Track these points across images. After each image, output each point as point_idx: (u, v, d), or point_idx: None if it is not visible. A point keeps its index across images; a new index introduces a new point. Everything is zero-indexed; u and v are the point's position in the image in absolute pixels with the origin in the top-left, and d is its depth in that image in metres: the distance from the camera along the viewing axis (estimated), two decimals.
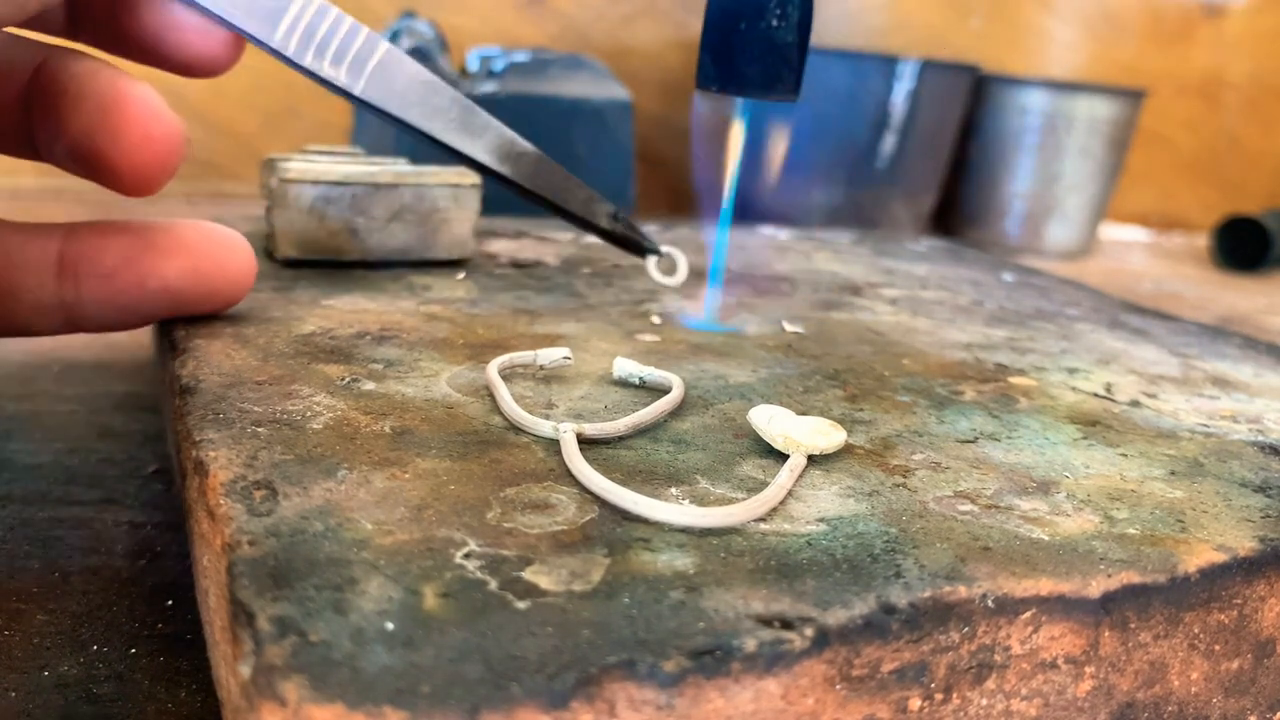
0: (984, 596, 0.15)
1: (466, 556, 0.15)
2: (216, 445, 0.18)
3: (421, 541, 0.15)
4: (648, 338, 0.28)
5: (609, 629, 0.13)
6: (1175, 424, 0.24)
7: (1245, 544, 0.17)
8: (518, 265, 0.36)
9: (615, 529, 0.16)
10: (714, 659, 0.13)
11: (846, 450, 0.20)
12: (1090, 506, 0.19)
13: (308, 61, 0.24)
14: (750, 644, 0.13)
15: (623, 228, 0.28)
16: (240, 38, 0.24)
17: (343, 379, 0.22)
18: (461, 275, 0.33)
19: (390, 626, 0.13)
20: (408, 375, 0.23)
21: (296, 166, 0.31)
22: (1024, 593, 0.15)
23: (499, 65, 0.60)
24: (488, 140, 0.26)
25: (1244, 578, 0.17)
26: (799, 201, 0.71)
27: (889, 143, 0.69)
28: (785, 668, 0.14)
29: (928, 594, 0.15)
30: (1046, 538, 0.17)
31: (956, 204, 0.79)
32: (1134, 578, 0.16)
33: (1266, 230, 0.76)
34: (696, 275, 0.32)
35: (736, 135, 0.27)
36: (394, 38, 0.60)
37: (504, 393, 0.21)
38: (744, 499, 0.18)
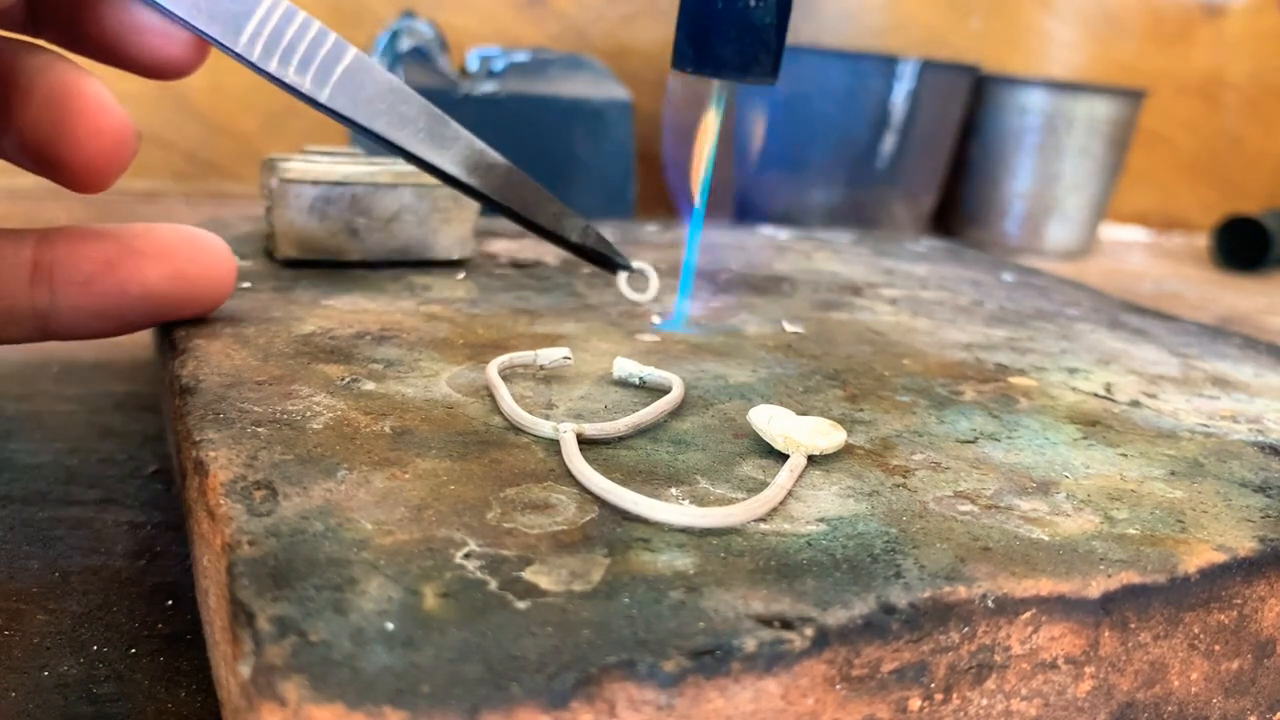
0: (984, 597, 0.15)
1: (466, 556, 0.15)
2: (216, 445, 0.18)
3: (421, 541, 0.15)
4: (648, 338, 0.28)
5: (609, 629, 0.13)
6: (1175, 424, 0.24)
7: (1245, 544, 0.17)
8: (518, 265, 0.36)
9: (615, 529, 0.16)
10: (714, 659, 0.13)
11: (846, 450, 0.20)
12: (1090, 506, 0.19)
13: (272, 67, 0.23)
14: (750, 644, 0.13)
15: (594, 243, 0.27)
16: (203, 41, 0.23)
17: (343, 379, 0.22)
18: (461, 275, 0.33)
19: (390, 626, 0.13)
20: (408, 375, 0.23)
21: (296, 166, 0.31)
22: (1024, 593, 0.15)
23: (499, 65, 0.60)
24: (456, 151, 0.25)
25: (1244, 578, 0.17)
26: (799, 201, 0.71)
27: (889, 143, 0.69)
28: (785, 668, 0.14)
29: (928, 594, 0.15)
30: (1046, 538, 0.17)
31: (956, 204, 0.79)
32: (1134, 578, 0.16)
33: (1266, 230, 0.76)
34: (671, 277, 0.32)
35: (711, 125, 0.27)
36: (394, 38, 0.60)
37: (504, 393, 0.21)
38: (744, 499, 0.18)
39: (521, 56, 0.61)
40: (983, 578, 0.15)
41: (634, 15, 0.79)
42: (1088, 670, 0.16)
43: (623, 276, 0.28)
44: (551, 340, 0.27)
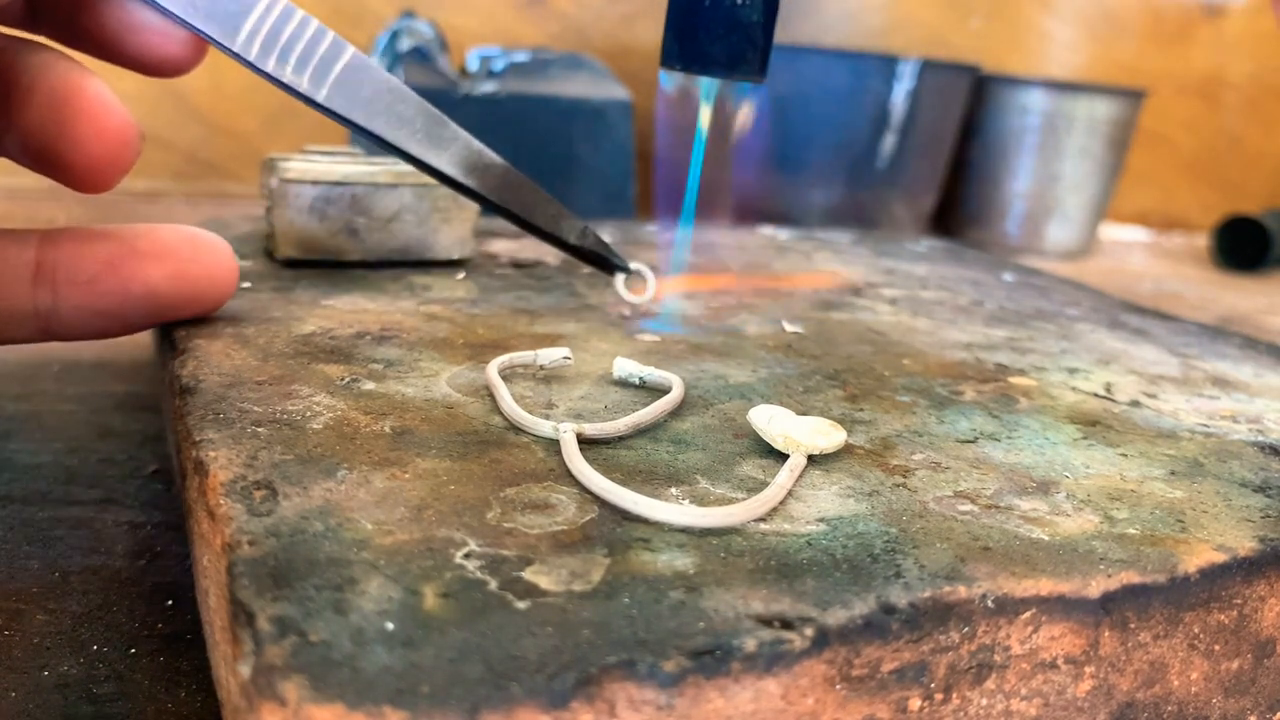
0: (984, 596, 0.15)
1: (466, 556, 0.15)
2: (216, 445, 0.18)
3: (421, 541, 0.15)
4: (648, 338, 0.28)
5: (609, 629, 0.13)
6: (1175, 424, 0.24)
7: (1245, 544, 0.17)
8: (518, 265, 0.36)
9: (615, 529, 0.16)
10: (714, 659, 0.13)
11: (846, 450, 0.20)
12: (1090, 506, 0.19)
13: (270, 67, 0.23)
14: (750, 644, 0.13)
15: (592, 244, 0.27)
16: (202, 40, 0.23)
17: (343, 379, 0.22)
18: (461, 275, 0.33)
19: (390, 626, 0.13)
20: (408, 375, 0.23)
21: (296, 166, 0.31)
22: (1024, 593, 0.15)
23: (499, 65, 0.60)
24: (454, 152, 0.25)
25: (1244, 578, 0.17)
26: (799, 201, 0.71)
27: (889, 143, 0.69)
28: (785, 668, 0.14)
29: (928, 594, 0.15)
30: (1046, 538, 0.17)
31: (956, 204, 0.79)
32: (1134, 578, 0.16)
33: (1266, 230, 0.76)
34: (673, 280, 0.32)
35: (701, 123, 0.27)
36: (394, 38, 0.60)
37: (504, 393, 0.21)
38: (744, 499, 0.18)
39: (521, 56, 0.61)
40: (983, 578, 0.15)
41: (634, 15, 0.79)
42: (1088, 670, 0.16)
43: (620, 279, 0.28)
44: (551, 340, 0.27)
